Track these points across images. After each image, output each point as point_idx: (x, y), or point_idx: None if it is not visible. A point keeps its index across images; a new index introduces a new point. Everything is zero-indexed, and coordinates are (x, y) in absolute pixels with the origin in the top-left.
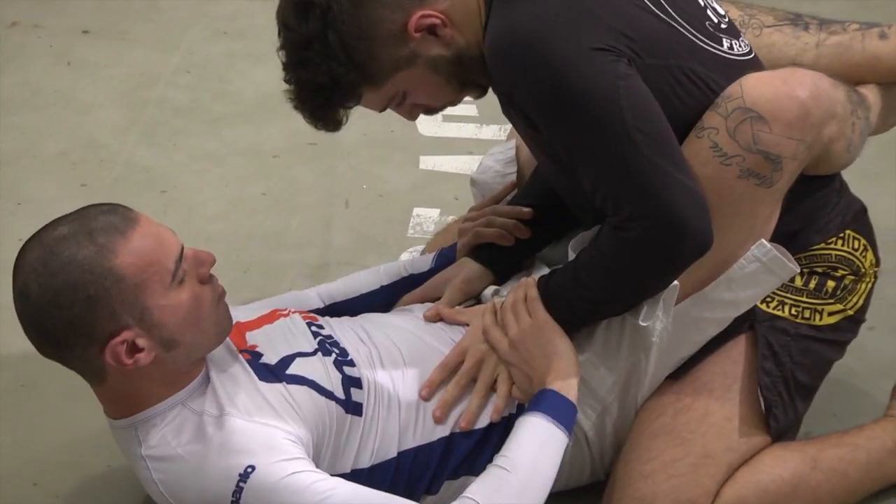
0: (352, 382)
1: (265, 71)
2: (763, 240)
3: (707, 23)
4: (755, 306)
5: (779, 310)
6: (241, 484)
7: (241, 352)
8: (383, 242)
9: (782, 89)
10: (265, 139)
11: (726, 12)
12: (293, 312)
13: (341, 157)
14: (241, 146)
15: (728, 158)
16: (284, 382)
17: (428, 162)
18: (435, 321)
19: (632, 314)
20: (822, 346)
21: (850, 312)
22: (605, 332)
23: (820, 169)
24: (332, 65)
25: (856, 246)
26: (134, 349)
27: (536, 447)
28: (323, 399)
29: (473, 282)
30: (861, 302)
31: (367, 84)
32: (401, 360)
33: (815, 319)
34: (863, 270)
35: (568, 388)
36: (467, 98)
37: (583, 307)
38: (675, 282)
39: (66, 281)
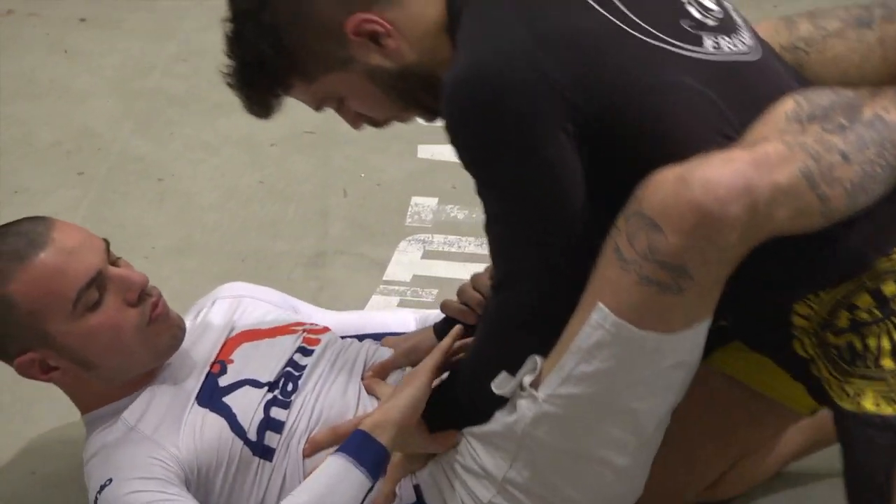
0: (270, 425)
1: None
2: (601, 304)
3: (680, 22)
4: (892, 416)
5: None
6: (98, 494)
7: (214, 363)
8: (381, 232)
9: (679, 192)
10: (262, 128)
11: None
12: (305, 331)
13: (339, 146)
14: (237, 135)
15: (626, 264)
16: (209, 409)
17: (426, 151)
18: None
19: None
20: None
21: None
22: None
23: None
24: (262, 45)
25: None
26: (47, 367)
27: (324, 486)
28: (232, 436)
29: (419, 352)
30: None
31: (297, 75)
32: (338, 418)
33: None
34: None
35: (381, 429)
36: None
37: (460, 382)
38: (536, 359)
39: None
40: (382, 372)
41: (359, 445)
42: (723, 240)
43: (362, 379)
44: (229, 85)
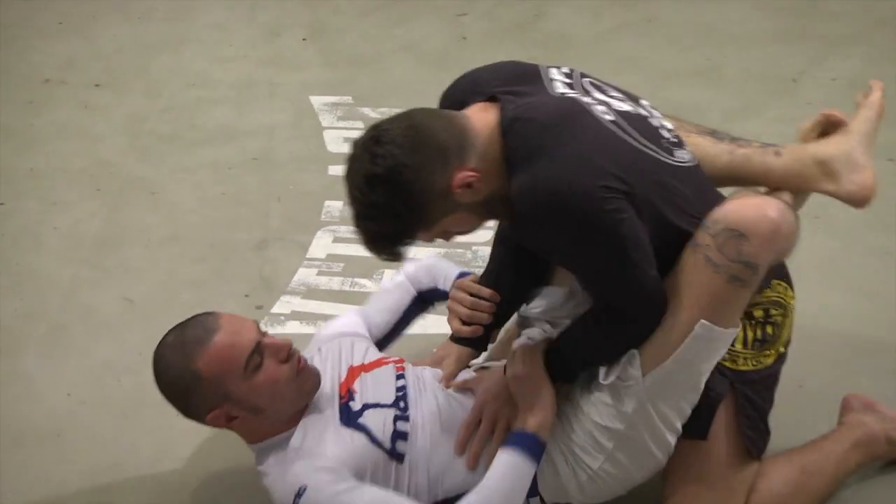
0: (399, 436)
1: (221, 111)
2: (704, 320)
3: (662, 140)
4: (727, 370)
5: (743, 366)
6: (297, 499)
7: (341, 395)
8: (304, 225)
9: (761, 213)
10: (223, 157)
11: (672, 127)
12: (392, 362)
13: (275, 168)
14: (206, 162)
15: (718, 268)
16: (352, 429)
17: (334, 170)
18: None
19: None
20: (772, 378)
21: (783, 349)
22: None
23: None
24: (395, 221)
25: (780, 290)
26: (230, 417)
27: (512, 478)
28: (372, 446)
29: (463, 359)
30: (788, 334)
31: (421, 230)
32: (438, 422)
33: (764, 363)
34: (789, 306)
35: (542, 429)
36: (356, 117)
37: (574, 366)
38: (635, 352)
39: (169, 379)
40: (449, 380)
41: (532, 445)
42: (779, 247)
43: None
44: (366, 248)
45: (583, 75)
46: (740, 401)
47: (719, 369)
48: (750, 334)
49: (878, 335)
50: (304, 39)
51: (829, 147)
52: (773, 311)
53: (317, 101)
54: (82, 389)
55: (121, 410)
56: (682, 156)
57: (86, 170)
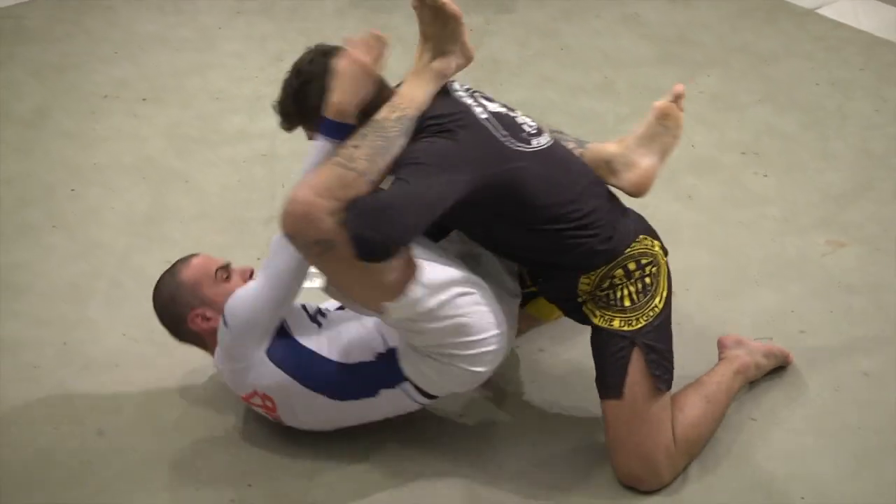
0: (320, 312)
1: (237, 118)
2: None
3: (521, 133)
4: (626, 332)
5: (638, 324)
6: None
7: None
8: None
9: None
10: (239, 153)
11: (535, 123)
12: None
13: (280, 161)
14: (227, 157)
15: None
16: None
17: None
18: None
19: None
20: (666, 320)
21: (666, 293)
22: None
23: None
24: (305, 105)
25: (646, 243)
26: (205, 318)
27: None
28: (300, 310)
29: None
30: (667, 283)
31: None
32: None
33: (655, 311)
34: (657, 254)
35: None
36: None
37: None
38: None
39: (159, 296)
40: None
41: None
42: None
43: None
44: (279, 111)
45: (475, 91)
46: (644, 350)
47: (619, 334)
48: (633, 289)
49: (732, 283)
50: None
51: (612, 149)
52: (643, 261)
53: None
54: (134, 331)
55: (163, 346)
56: (539, 141)
57: (135, 164)
